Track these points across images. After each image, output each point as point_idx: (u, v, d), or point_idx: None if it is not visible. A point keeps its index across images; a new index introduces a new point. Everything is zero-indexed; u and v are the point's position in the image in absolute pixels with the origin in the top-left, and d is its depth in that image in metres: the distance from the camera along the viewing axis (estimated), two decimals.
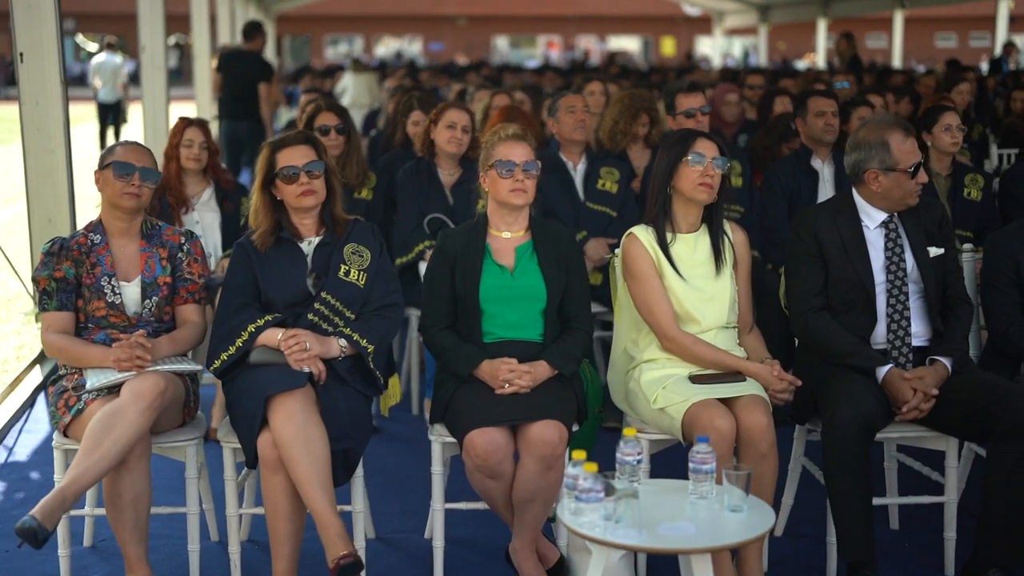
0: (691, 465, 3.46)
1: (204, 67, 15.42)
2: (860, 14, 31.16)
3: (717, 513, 3.40)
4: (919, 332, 4.26)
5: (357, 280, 4.18)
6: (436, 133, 5.97)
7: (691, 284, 4.21)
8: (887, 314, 4.23)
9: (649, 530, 3.25)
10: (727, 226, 4.33)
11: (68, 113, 7.00)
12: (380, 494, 4.95)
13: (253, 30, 12.02)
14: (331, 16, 39.78)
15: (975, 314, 4.53)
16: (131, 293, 4.17)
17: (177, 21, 20.56)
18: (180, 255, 4.25)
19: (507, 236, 4.30)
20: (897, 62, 25.01)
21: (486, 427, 3.95)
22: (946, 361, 4.17)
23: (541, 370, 4.11)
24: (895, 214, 4.30)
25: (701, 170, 4.16)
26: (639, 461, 3.51)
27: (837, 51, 17.43)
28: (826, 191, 6.29)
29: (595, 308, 4.98)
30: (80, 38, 39.55)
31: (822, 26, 28.36)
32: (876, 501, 4.44)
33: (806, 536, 4.56)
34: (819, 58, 28.57)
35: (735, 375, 4.13)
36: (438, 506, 4.19)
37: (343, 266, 4.17)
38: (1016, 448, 3.96)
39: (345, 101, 14.88)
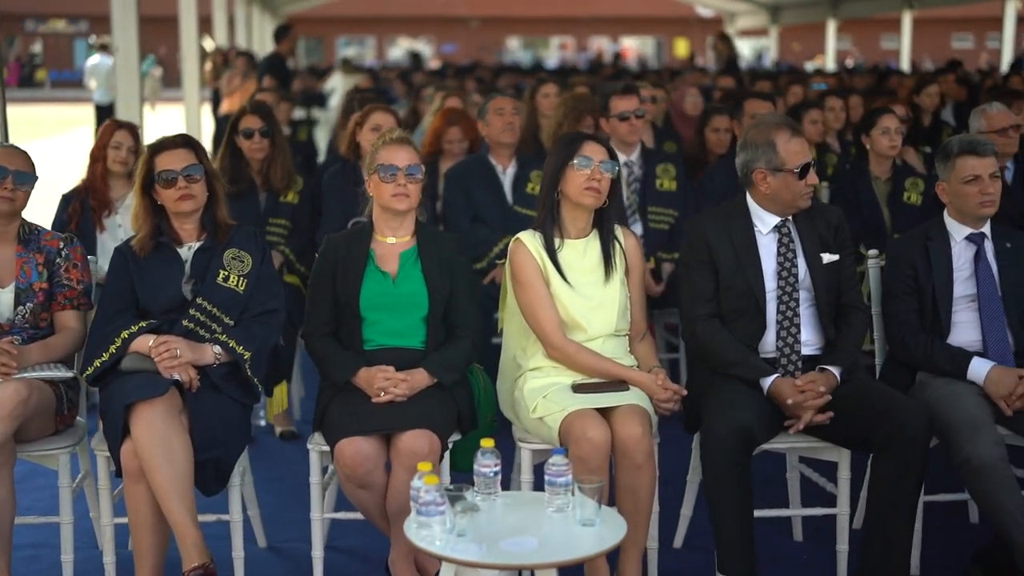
0: (547, 477, 3.39)
1: (192, 69, 15.39)
2: (869, 15, 30.96)
3: (568, 527, 3.31)
4: (810, 340, 4.16)
5: (236, 286, 4.11)
6: (361, 136, 5.90)
7: (578, 291, 4.13)
8: (776, 321, 4.13)
9: (491, 545, 3.18)
10: (619, 231, 4.24)
11: None
12: (280, 502, 4.89)
13: (283, 32, 11.89)
14: (343, 18, 39.81)
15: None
16: (4, 299, 4.11)
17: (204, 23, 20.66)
18: (58, 260, 4.19)
19: (392, 242, 4.23)
20: (906, 64, 24.82)
21: (355, 436, 3.87)
22: (835, 370, 4.07)
23: (419, 378, 4.04)
24: (789, 219, 4.20)
25: (588, 174, 4.07)
26: (496, 473, 3.44)
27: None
28: None
29: None
30: (93, 39, 39.85)
31: (831, 27, 28.18)
32: (778, 513, 4.39)
33: (705, 548, 4.43)
34: (828, 59, 28.41)
35: (619, 384, 4.05)
36: (316, 516, 4.12)
37: (222, 271, 4.11)
38: (894, 459, 3.86)
39: (334, 102, 14.86)
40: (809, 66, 30.67)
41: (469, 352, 4.18)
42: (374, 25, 41.85)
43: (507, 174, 6.13)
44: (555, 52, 41.36)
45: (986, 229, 4.34)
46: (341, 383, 4.05)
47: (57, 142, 20.92)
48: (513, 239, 4.21)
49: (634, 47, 43.03)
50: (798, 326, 4.12)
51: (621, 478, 3.89)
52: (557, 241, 4.16)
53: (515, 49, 43.13)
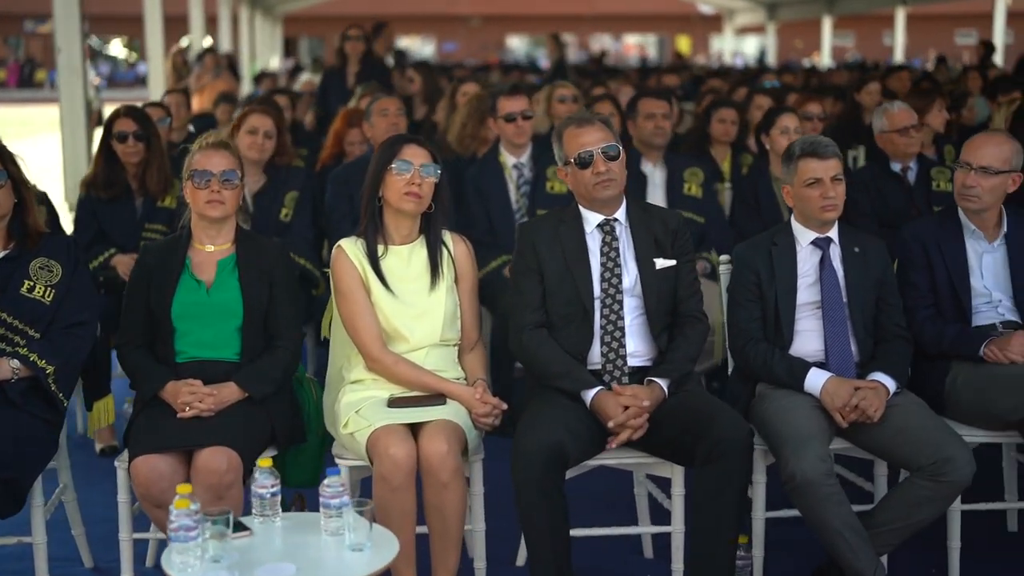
0: (321, 500, 3.22)
1: (158, 70, 15.29)
2: (864, 11, 30.68)
3: (339, 552, 3.16)
4: (639, 351, 3.98)
5: (43, 297, 3.96)
6: (238, 139, 5.75)
7: (401, 299, 3.97)
8: (601, 328, 3.95)
9: (243, 573, 3.02)
10: (448, 237, 4.08)
11: None
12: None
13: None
14: (344, 17, 39.53)
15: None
16: None
17: (177, 22, 20.58)
18: None
19: (210, 249, 4.08)
20: (900, 59, 24.60)
21: (152, 454, 3.72)
22: (662, 382, 3.89)
23: (227, 392, 3.88)
24: (618, 219, 4.03)
25: (407, 178, 3.91)
26: (273, 494, 3.29)
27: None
28: (656, 195, 6.03)
29: None
30: (94, 39, 39.85)
31: (827, 23, 27.99)
32: (630, 530, 4.23)
33: None
34: (824, 56, 28.22)
35: (437, 398, 3.88)
36: (124, 536, 3.97)
37: (27, 282, 3.96)
38: (715, 472, 3.69)
39: None
40: (807, 63, 30.45)
41: (286, 364, 4.03)
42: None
43: None
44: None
45: (833, 233, 4.16)
46: (148, 397, 3.90)
47: (43, 141, 20.73)
48: (336, 246, 4.05)
49: (637, 45, 42.82)
50: (622, 332, 3.94)
51: (427, 496, 3.72)
52: (381, 248, 4.00)
53: (517, 48, 42.98)
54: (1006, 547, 4.51)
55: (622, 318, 3.94)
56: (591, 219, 4.02)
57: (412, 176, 3.91)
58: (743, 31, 36.50)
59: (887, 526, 3.87)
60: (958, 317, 4.24)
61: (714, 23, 38.76)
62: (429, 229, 4.04)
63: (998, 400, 4.01)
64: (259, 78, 17.13)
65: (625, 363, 3.94)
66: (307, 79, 14.87)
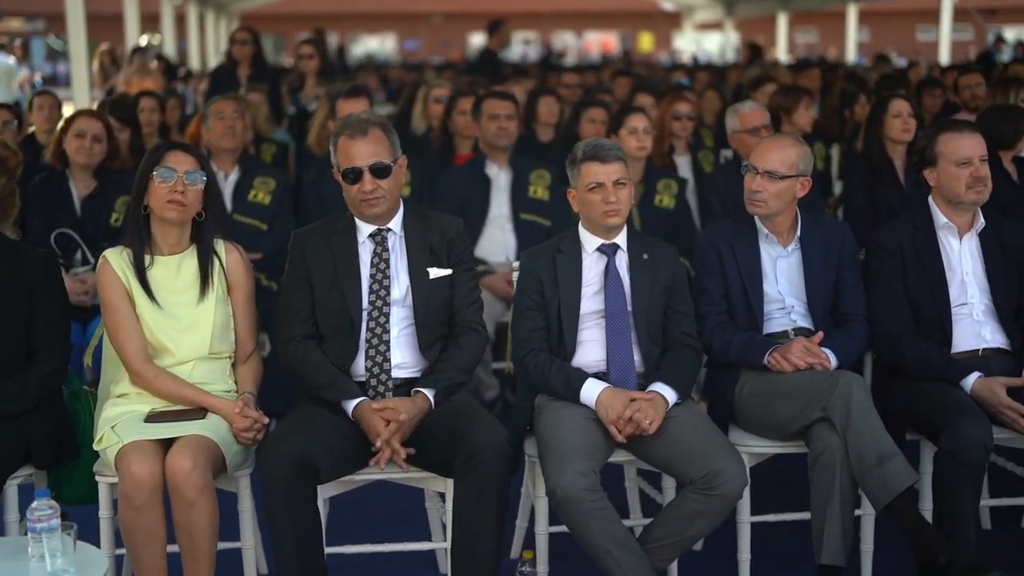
0: (28, 524, 3.10)
1: (81, 70, 15.07)
2: (819, 7, 30.68)
3: None
4: (406, 362, 3.86)
5: None
6: (66, 143, 5.61)
7: (167, 311, 3.84)
8: (366, 340, 3.83)
9: None
10: (220, 246, 3.95)
11: None
12: None
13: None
14: (304, 15, 39.46)
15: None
16: None
17: (150, 20, 20.37)
18: None
19: None
20: (852, 56, 24.60)
21: None
22: (428, 393, 3.78)
23: None
24: (391, 228, 3.91)
25: (170, 186, 3.79)
26: None
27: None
28: (500, 199, 5.92)
29: None
30: (52, 39, 39.55)
31: (783, 20, 28.00)
32: (419, 546, 4.11)
33: None
34: (780, 52, 28.21)
35: (198, 412, 3.76)
36: None
37: None
38: (469, 483, 3.59)
39: None
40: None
41: (44, 378, 3.89)
42: (336, 22, 41.38)
43: (229, 181, 5.84)
44: (518, 47, 40.98)
45: (620, 240, 4.04)
46: None
47: None
48: (101, 257, 3.92)
49: (599, 41, 42.71)
50: (387, 344, 3.82)
51: (175, 516, 3.59)
52: (148, 258, 3.87)
53: (479, 45, 42.78)
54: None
55: (388, 330, 3.83)
56: (364, 229, 3.90)
57: (175, 184, 3.78)
58: (703, 27, 36.40)
59: (663, 541, 3.77)
60: (749, 324, 4.14)
61: (676, 20, 38.69)
62: (200, 238, 3.92)
63: (779, 410, 3.92)
64: (186, 77, 16.95)
65: (389, 376, 3.82)
66: None
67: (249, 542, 3.84)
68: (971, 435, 3.73)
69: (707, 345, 4.12)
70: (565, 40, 43.38)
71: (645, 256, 4.04)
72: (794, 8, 27.92)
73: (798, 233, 4.18)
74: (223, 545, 3.70)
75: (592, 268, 4.02)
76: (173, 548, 3.64)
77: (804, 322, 4.15)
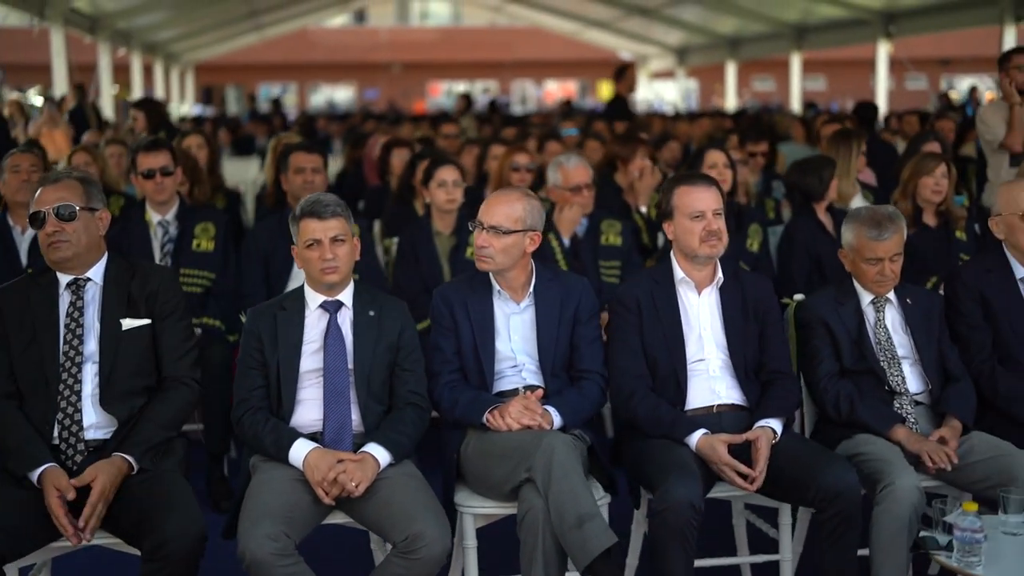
0: None
1: None
2: (763, 56, 30.88)
3: None
4: (100, 422, 3.75)
5: None
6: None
7: None
8: (62, 397, 3.73)
9: None
10: None
11: None
12: None
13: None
14: (264, 65, 39.56)
15: None
16: None
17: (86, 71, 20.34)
18: None
19: None
20: (796, 104, 24.73)
21: None
22: (130, 457, 3.68)
23: None
24: (94, 279, 3.86)
25: None
26: None
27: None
28: None
29: None
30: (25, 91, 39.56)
31: (731, 68, 28.16)
32: None
33: None
34: (728, 100, 28.41)
35: None
36: None
37: None
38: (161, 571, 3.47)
39: None
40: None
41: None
42: (295, 72, 41.60)
43: (25, 237, 5.78)
44: (479, 96, 41.19)
45: (346, 297, 3.98)
46: None
47: None
48: None
49: (560, 89, 42.88)
50: (77, 403, 3.72)
51: None
52: None
53: (440, 95, 42.99)
54: None
55: (78, 388, 3.73)
56: (62, 280, 3.84)
57: None
58: (657, 76, 36.60)
59: None
60: (480, 382, 4.07)
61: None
62: None
63: (495, 469, 3.84)
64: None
65: (80, 439, 3.72)
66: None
67: None
68: (677, 495, 3.66)
69: (436, 403, 4.05)
70: (525, 89, 43.55)
71: (371, 313, 3.98)
72: (742, 57, 28.10)
73: (531, 289, 4.12)
74: None
75: (314, 326, 3.96)
76: None
77: (535, 379, 4.08)
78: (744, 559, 4.41)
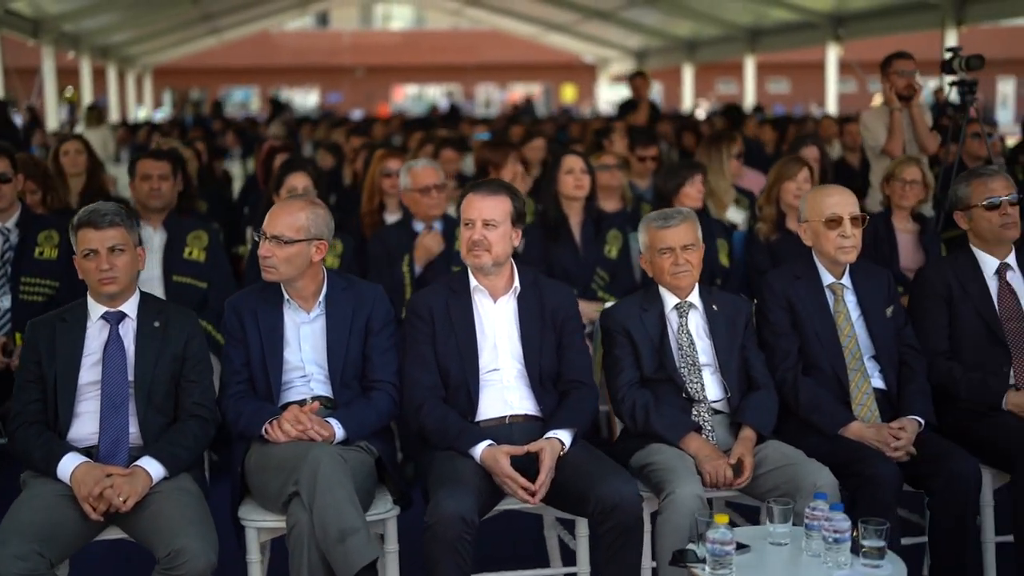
0: None
1: None
2: (718, 59, 30.90)
3: None
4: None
5: None
6: None
7: None
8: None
9: None
10: None
11: None
12: None
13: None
14: (226, 68, 39.44)
15: None
16: None
17: (68, 75, 20.20)
18: None
19: None
20: (750, 106, 24.75)
21: None
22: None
23: None
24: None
25: None
26: None
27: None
28: (153, 260, 5.76)
29: None
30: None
31: (688, 71, 28.17)
32: None
33: None
34: (687, 102, 28.43)
35: None
36: None
37: None
38: None
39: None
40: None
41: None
42: (257, 75, 41.47)
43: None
44: (442, 99, 41.11)
45: (129, 307, 3.94)
46: None
47: None
48: None
49: (523, 92, 42.83)
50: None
51: None
52: None
53: (405, 98, 42.90)
54: None
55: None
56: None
57: None
58: (618, 79, 36.60)
59: None
60: (267, 393, 4.01)
61: (595, 72, 38.93)
62: None
63: (270, 482, 3.78)
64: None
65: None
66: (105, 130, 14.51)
67: None
68: (448, 508, 3.60)
69: (223, 415, 3.99)
70: (489, 92, 43.50)
71: (156, 324, 3.92)
72: (698, 61, 28.12)
73: (321, 298, 4.06)
74: None
75: (95, 337, 3.90)
76: None
77: (323, 390, 4.02)
78: (542, 571, 4.34)
